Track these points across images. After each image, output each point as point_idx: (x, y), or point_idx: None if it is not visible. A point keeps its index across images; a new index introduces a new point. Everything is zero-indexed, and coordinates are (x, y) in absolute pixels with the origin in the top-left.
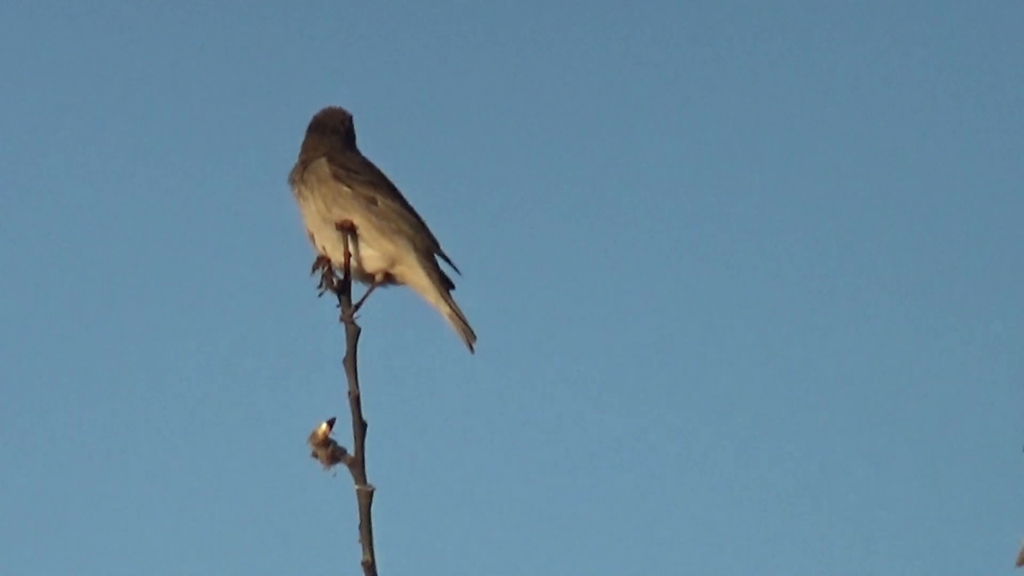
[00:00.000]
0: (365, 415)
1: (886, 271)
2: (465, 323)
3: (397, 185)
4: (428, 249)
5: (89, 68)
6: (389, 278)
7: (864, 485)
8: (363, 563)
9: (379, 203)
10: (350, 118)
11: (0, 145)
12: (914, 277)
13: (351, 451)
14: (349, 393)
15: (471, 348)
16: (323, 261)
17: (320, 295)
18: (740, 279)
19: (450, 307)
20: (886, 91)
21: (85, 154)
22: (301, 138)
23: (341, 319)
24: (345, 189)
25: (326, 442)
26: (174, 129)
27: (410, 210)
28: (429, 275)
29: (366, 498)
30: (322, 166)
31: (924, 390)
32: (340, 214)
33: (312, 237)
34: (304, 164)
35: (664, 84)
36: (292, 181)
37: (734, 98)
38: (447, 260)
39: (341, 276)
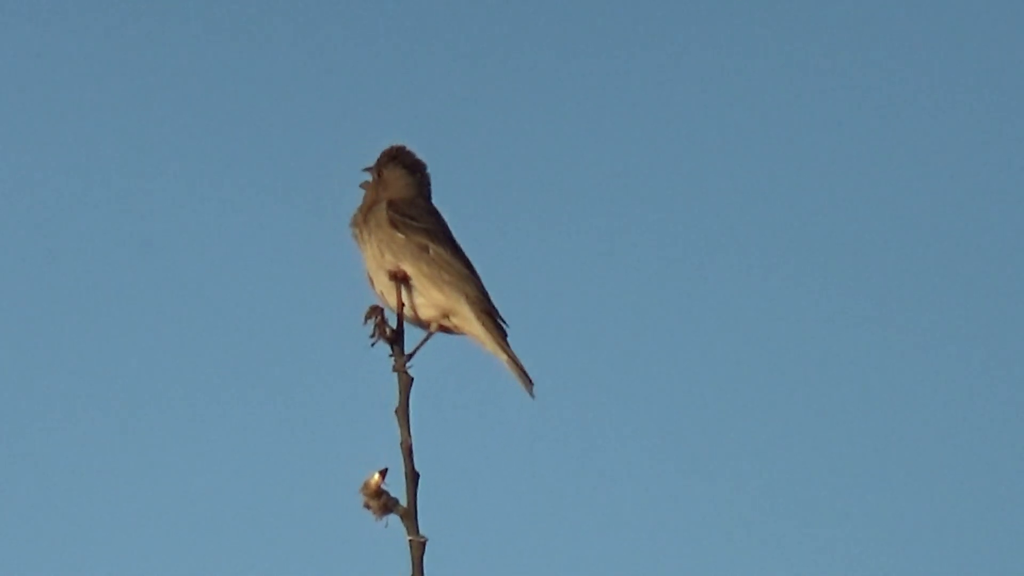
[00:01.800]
0: (417, 465)
1: (886, 271)
2: (523, 370)
3: (455, 236)
4: (480, 298)
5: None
6: (444, 328)
7: (864, 485)
8: None
9: (431, 251)
10: (424, 166)
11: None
12: (913, 277)
13: (403, 502)
14: (401, 443)
15: (531, 394)
16: (376, 311)
17: (373, 344)
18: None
19: (507, 355)
20: (885, 91)
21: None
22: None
23: (394, 369)
24: (399, 236)
25: (378, 493)
26: (233, 173)
27: (463, 260)
28: (484, 324)
29: (419, 549)
30: (382, 211)
31: (923, 390)
32: (392, 261)
33: (371, 281)
34: (369, 207)
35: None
36: (355, 223)
37: (745, 108)
38: (495, 309)
39: (394, 325)
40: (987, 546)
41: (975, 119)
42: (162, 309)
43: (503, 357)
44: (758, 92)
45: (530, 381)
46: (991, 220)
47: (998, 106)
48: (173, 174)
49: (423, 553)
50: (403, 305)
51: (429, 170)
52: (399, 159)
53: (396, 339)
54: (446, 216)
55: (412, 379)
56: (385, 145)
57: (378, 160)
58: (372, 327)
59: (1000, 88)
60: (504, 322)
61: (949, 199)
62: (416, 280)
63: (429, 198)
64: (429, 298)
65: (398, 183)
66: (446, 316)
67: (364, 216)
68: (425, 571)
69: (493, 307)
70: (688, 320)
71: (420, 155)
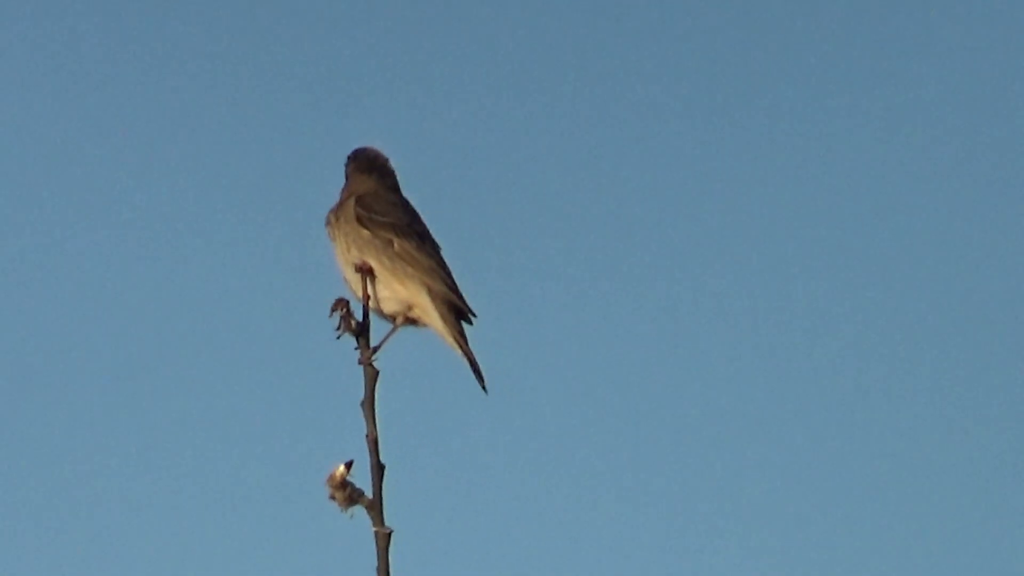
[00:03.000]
0: (383, 457)
1: (885, 271)
2: (476, 365)
3: (429, 229)
4: (443, 292)
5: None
6: (410, 320)
7: (863, 485)
8: None
9: (395, 245)
10: (386, 160)
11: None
12: (913, 277)
13: (369, 493)
14: (367, 435)
15: (484, 389)
16: (341, 303)
17: (338, 337)
18: (755, 308)
19: (462, 349)
20: (885, 91)
21: (108, 185)
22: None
23: (360, 362)
24: (364, 232)
25: (344, 484)
26: (205, 170)
27: (428, 254)
28: (443, 317)
29: (384, 540)
30: (350, 207)
31: (923, 390)
32: (357, 255)
33: (344, 278)
34: (340, 204)
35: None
36: (328, 222)
37: (745, 109)
38: (463, 303)
39: (360, 318)
40: (987, 546)
41: (975, 119)
42: (128, 301)
43: (458, 351)
44: (735, 93)
45: (482, 376)
46: (991, 220)
47: (998, 106)
48: (149, 163)
49: (389, 544)
50: (369, 298)
51: (392, 164)
52: (356, 161)
53: (362, 332)
54: (424, 209)
55: (378, 372)
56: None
57: (344, 167)
58: (338, 319)
59: (1001, 88)
60: (473, 313)
61: (949, 198)
62: (379, 274)
63: (397, 190)
64: (392, 291)
65: (362, 185)
66: (410, 308)
67: (336, 214)
68: (390, 562)
69: (461, 300)
70: (657, 314)
71: (382, 151)
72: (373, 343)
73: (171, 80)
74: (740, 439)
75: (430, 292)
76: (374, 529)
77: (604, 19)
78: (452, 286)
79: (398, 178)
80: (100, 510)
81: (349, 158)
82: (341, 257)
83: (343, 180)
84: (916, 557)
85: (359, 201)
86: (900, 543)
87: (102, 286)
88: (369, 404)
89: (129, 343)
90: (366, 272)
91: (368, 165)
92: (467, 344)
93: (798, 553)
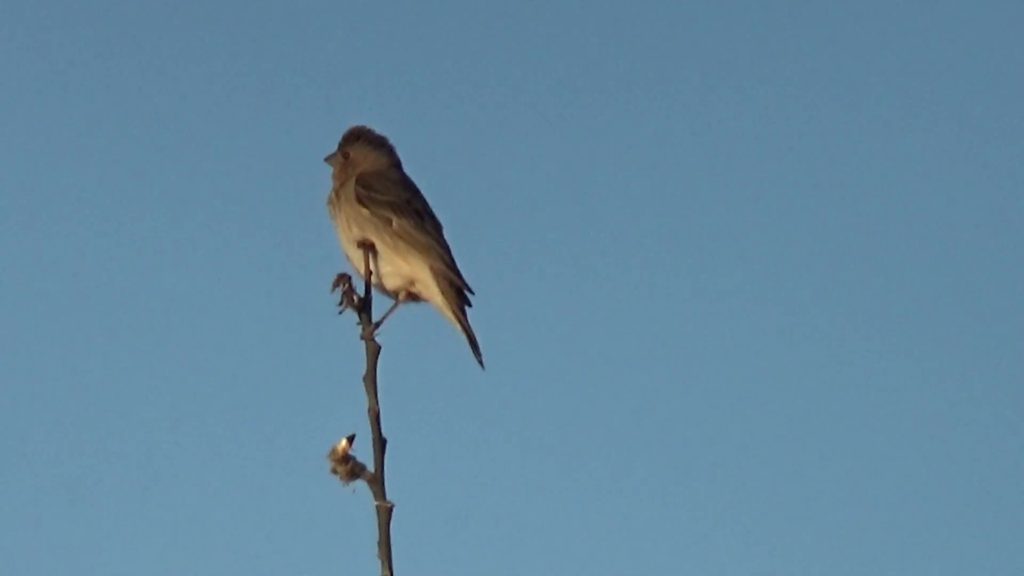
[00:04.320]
0: (385, 432)
1: (884, 271)
2: (474, 341)
3: (430, 206)
4: (443, 268)
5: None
6: (412, 296)
7: (863, 485)
8: None
9: (394, 223)
10: (387, 139)
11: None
12: (912, 278)
13: (370, 468)
14: (369, 410)
15: (481, 364)
16: (343, 278)
17: (340, 312)
18: (749, 294)
19: (461, 324)
20: (884, 92)
21: (101, 173)
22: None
23: (362, 337)
24: (364, 211)
25: (346, 458)
26: (201, 151)
27: (426, 232)
28: (444, 293)
29: (385, 514)
30: (351, 186)
31: (922, 390)
32: (359, 233)
33: (346, 255)
34: (342, 184)
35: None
36: (329, 202)
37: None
38: (461, 279)
39: (363, 294)
40: (987, 546)
41: (975, 119)
42: (127, 282)
43: (457, 327)
44: (734, 88)
45: (479, 352)
46: (991, 220)
47: (998, 106)
48: (145, 160)
49: (390, 518)
50: (371, 273)
51: (391, 142)
52: (363, 137)
53: (364, 307)
54: (423, 189)
55: (380, 347)
56: (344, 128)
57: (341, 144)
58: (340, 295)
59: (1000, 88)
60: (470, 291)
61: (948, 199)
62: (381, 250)
63: (399, 166)
64: (395, 266)
65: (367, 159)
66: (412, 283)
67: (337, 193)
68: (392, 536)
69: (459, 277)
70: (654, 292)
71: (379, 131)
72: (375, 319)
73: (166, 68)
74: (734, 419)
75: (431, 269)
76: (376, 503)
77: (604, 15)
78: (450, 264)
79: (399, 156)
80: (102, 482)
81: (348, 135)
82: (343, 235)
83: (340, 157)
84: (916, 557)
85: (360, 180)
86: (900, 543)
87: (102, 265)
88: (371, 379)
89: (132, 317)
90: (368, 248)
91: (373, 141)
92: (466, 320)
93: (797, 551)
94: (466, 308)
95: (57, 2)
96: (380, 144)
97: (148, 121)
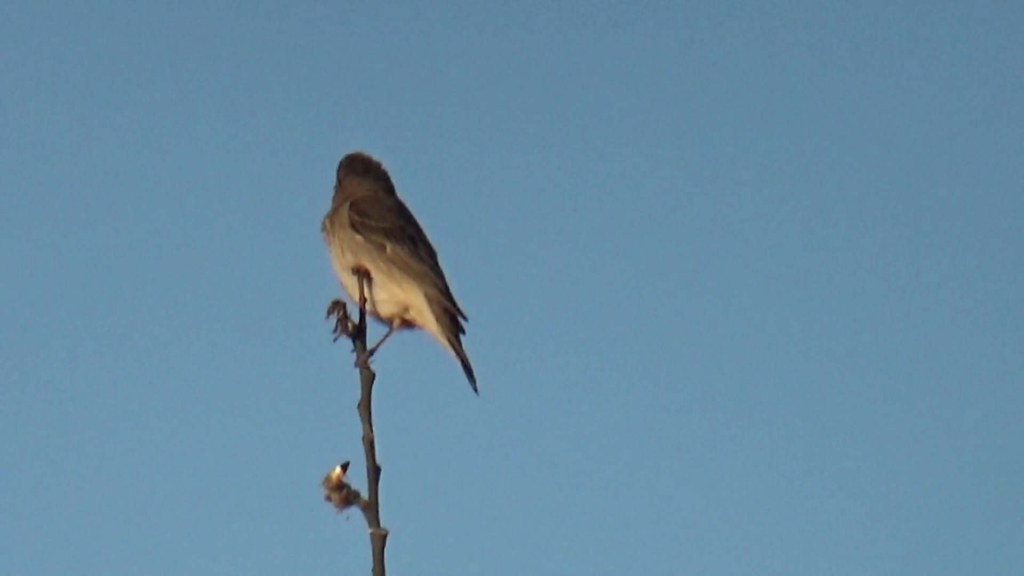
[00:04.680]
0: (379, 459)
1: (884, 271)
2: (469, 367)
3: (424, 232)
4: (437, 294)
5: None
6: (407, 323)
7: (862, 485)
8: None
9: (388, 250)
10: (379, 163)
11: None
12: (913, 277)
13: (365, 495)
14: (363, 437)
15: (475, 390)
16: (338, 305)
17: (335, 340)
18: (746, 304)
19: (455, 351)
20: (884, 92)
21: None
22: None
23: (356, 364)
24: (358, 237)
25: (340, 486)
26: (202, 171)
27: (420, 259)
28: (438, 319)
29: (379, 541)
30: (344, 212)
31: (923, 390)
32: (352, 260)
33: (340, 282)
34: (335, 210)
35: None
36: (323, 228)
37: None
38: (455, 306)
39: (357, 320)
40: (987, 546)
41: (975, 119)
42: (125, 299)
43: (452, 353)
44: (731, 91)
45: (474, 379)
46: (991, 220)
47: (998, 106)
48: (147, 163)
49: (384, 545)
50: (365, 300)
51: (385, 167)
52: (351, 167)
53: (358, 334)
54: (416, 213)
55: (374, 374)
56: (343, 155)
57: (336, 173)
58: (335, 322)
59: (1000, 88)
60: (464, 317)
61: (948, 199)
62: (375, 277)
63: (392, 192)
64: (389, 293)
65: (361, 185)
66: (406, 310)
67: (331, 219)
68: (386, 563)
69: (452, 304)
70: (648, 316)
71: (374, 156)
72: (369, 345)
73: (167, 79)
74: (732, 439)
75: (425, 295)
76: (370, 530)
77: (605, 15)
78: (444, 290)
79: (393, 182)
80: (98, 513)
81: (342, 163)
82: (337, 261)
83: (336, 184)
84: (916, 557)
85: (353, 206)
86: (900, 543)
87: (102, 285)
88: (365, 406)
89: (127, 342)
90: (363, 275)
91: (364, 169)
92: (461, 346)
93: (795, 551)
94: (460, 335)
95: (57, 2)
96: (367, 171)
97: (147, 143)
